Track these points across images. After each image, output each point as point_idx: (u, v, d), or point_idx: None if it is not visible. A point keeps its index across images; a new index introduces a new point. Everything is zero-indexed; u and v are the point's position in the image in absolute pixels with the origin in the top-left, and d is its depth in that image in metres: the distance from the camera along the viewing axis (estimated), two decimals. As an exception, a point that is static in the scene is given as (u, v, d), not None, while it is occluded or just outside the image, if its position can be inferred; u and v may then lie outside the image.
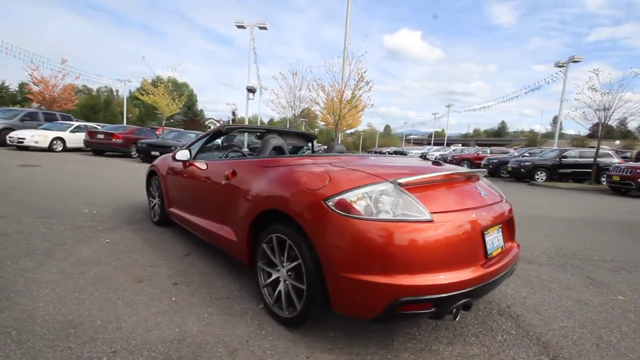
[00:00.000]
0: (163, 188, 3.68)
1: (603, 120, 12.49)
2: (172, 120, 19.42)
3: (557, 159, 13.78)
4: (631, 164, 11.41)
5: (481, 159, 19.24)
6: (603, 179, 12.95)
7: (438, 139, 66.73)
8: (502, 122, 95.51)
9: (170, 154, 3.91)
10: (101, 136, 13.25)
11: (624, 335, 2.17)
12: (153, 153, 12.30)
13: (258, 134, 4.11)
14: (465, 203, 1.85)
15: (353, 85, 12.75)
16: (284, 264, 2.00)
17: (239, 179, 2.44)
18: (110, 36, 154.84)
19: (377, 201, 1.66)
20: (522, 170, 14.02)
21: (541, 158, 14.36)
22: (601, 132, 12.93)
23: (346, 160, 2.10)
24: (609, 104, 12.14)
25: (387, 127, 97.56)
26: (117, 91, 56.92)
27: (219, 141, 4.08)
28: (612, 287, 2.96)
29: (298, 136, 3.94)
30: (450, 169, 2.04)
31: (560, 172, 13.79)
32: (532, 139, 48.65)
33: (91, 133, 13.40)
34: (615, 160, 13.70)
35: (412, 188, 1.74)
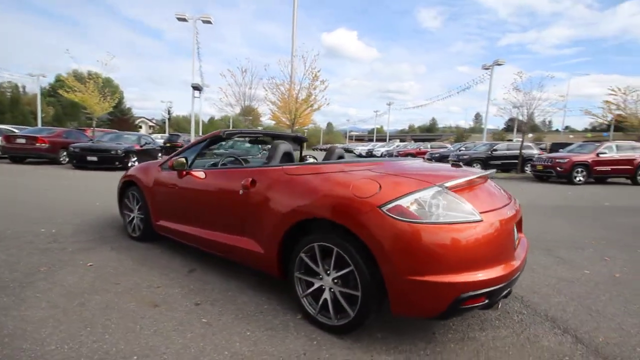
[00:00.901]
0: (148, 200, 3.35)
1: (526, 117, 14.34)
2: (96, 120, 17.30)
3: (489, 152, 15.45)
4: (551, 154, 13.32)
5: (423, 153, 20.75)
6: (526, 169, 14.89)
7: (378, 135, 70.09)
8: (433, 119, 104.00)
9: (153, 162, 3.59)
10: (22, 141, 11.41)
11: (604, 303, 2.57)
12: (89, 159, 11.02)
13: (249, 139, 3.93)
14: (496, 202, 2.02)
15: (308, 84, 12.85)
16: (328, 272, 1.99)
17: (262, 188, 2.34)
18: (11, 25, 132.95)
19: (431, 205, 1.74)
20: (460, 164, 15.40)
21: (476, 152, 15.97)
22: (525, 127, 14.84)
23: (382, 166, 2.15)
24: (530, 102, 13.99)
25: (329, 125, 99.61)
26: (23, 87, 49.25)
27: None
28: (576, 263, 3.46)
29: (288, 139, 3.87)
30: (476, 172, 2.21)
31: (492, 164, 15.48)
32: (459, 134, 53.88)
33: (8, 137, 11.47)
34: (535, 151, 15.82)
35: (456, 191, 1.86)
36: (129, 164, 11.43)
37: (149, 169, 3.47)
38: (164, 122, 57.14)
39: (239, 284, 2.63)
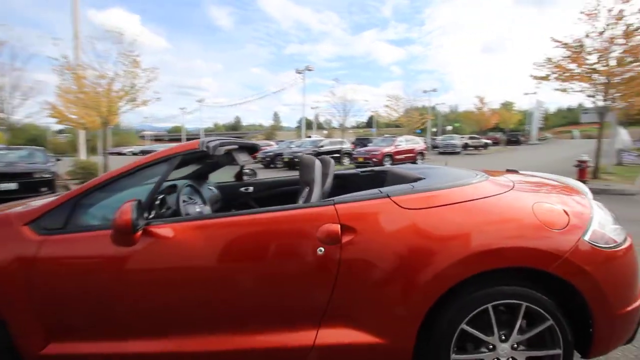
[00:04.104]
0: (7, 306, 1.46)
1: (344, 117, 16.79)
2: None
3: (317, 148, 17.13)
4: (366, 148, 16.16)
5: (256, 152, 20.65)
6: (344, 161, 17.51)
7: (176, 135, 64.77)
8: (237, 117, 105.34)
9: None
10: None
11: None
12: None
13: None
14: None
15: (124, 72, 9.67)
16: (504, 337, 1.45)
17: (364, 237, 1.42)
18: None
19: (607, 223, 1.53)
20: (296, 159, 16.37)
21: (306, 148, 17.33)
22: (343, 126, 17.32)
23: (521, 181, 1.74)
24: (345, 105, 16.49)
25: (117, 124, 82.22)
26: None
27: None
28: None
29: (246, 148, 2.70)
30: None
31: (319, 159, 17.27)
32: (268, 132, 57.42)
33: None
34: (347, 146, 18.82)
35: None
36: None
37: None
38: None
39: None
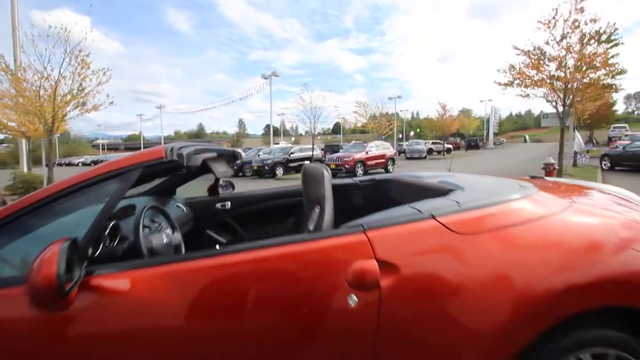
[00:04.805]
0: None
1: (314, 122, 16.51)
2: None
3: (288, 156, 16.66)
4: (338, 154, 15.91)
5: (219, 161, 19.70)
6: (316, 168, 17.16)
7: (134, 143, 61.42)
8: (200, 124, 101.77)
9: None
10: None
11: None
12: None
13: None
14: None
15: (71, 73, 8.59)
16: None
17: (415, 279, 1.03)
18: None
19: None
20: (266, 167, 15.80)
21: (276, 156, 16.80)
22: (314, 131, 17.02)
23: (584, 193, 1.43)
24: (316, 111, 16.24)
25: (66, 132, 76.02)
26: None
27: None
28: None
29: (226, 156, 2.22)
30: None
31: (290, 166, 16.81)
32: (234, 140, 55.96)
33: None
34: (318, 152, 18.52)
35: None
36: None
37: None
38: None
39: None
